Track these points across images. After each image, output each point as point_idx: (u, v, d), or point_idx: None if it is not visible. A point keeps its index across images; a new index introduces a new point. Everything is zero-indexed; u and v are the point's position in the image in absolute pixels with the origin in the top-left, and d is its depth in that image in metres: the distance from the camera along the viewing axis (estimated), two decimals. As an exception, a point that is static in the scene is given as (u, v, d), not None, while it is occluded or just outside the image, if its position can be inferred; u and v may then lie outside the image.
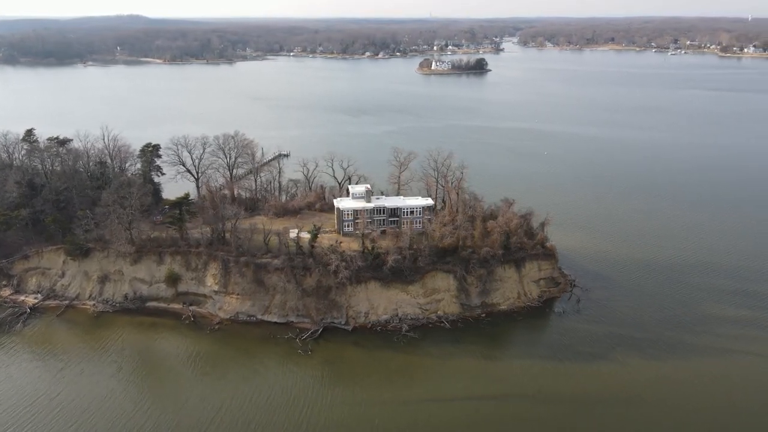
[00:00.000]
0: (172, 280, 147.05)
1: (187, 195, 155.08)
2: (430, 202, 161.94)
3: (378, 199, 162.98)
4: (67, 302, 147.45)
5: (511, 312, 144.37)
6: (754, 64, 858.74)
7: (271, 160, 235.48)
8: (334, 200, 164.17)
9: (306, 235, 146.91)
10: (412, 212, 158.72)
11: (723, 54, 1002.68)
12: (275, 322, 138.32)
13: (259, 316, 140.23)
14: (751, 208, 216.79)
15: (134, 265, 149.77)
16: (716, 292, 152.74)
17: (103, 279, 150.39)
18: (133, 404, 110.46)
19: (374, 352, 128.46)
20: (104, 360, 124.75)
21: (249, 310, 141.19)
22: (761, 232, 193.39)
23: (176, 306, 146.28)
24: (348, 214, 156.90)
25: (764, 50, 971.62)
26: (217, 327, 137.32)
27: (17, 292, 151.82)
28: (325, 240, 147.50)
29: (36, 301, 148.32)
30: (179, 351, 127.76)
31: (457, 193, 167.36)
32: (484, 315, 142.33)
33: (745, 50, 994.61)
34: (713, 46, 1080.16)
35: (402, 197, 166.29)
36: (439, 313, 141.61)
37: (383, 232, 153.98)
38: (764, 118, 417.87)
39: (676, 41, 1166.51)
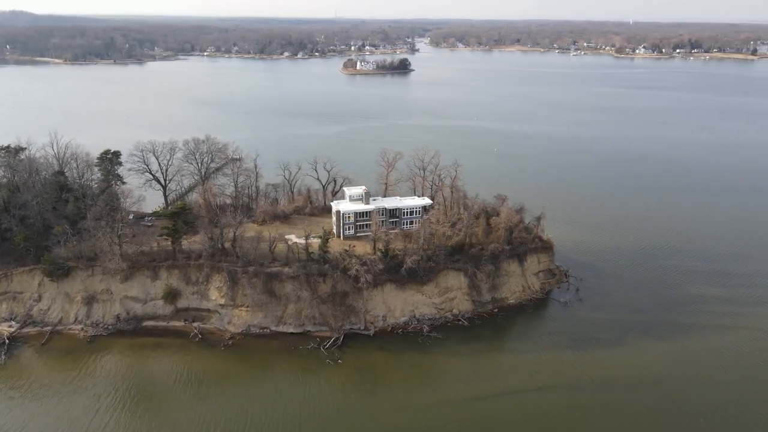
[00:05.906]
0: (171, 296, 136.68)
1: (184, 205, 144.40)
2: (428, 201, 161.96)
3: (375, 200, 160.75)
4: (50, 328, 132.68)
5: (519, 305, 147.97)
6: (646, 64, 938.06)
7: (222, 165, 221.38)
8: (332, 203, 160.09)
9: (314, 241, 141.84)
10: (411, 212, 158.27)
11: (618, 55, 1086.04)
12: (291, 333, 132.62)
13: (273, 328, 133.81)
14: (707, 195, 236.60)
15: (125, 282, 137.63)
16: (694, 273, 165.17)
17: (89, 300, 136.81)
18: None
19: (402, 355, 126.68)
20: (130, 388, 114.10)
21: (261, 322, 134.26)
22: (725, 217, 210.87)
23: (177, 324, 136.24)
24: (349, 217, 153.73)
25: (653, 51, 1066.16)
26: (230, 342, 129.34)
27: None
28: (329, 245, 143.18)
29: (12, 329, 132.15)
30: (202, 371, 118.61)
31: (451, 191, 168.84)
32: (496, 310, 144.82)
33: (637, 51, 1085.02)
34: (608, 48, 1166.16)
35: (399, 198, 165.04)
36: (454, 311, 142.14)
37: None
38: (691, 111, 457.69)
39: (574, 43, 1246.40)
